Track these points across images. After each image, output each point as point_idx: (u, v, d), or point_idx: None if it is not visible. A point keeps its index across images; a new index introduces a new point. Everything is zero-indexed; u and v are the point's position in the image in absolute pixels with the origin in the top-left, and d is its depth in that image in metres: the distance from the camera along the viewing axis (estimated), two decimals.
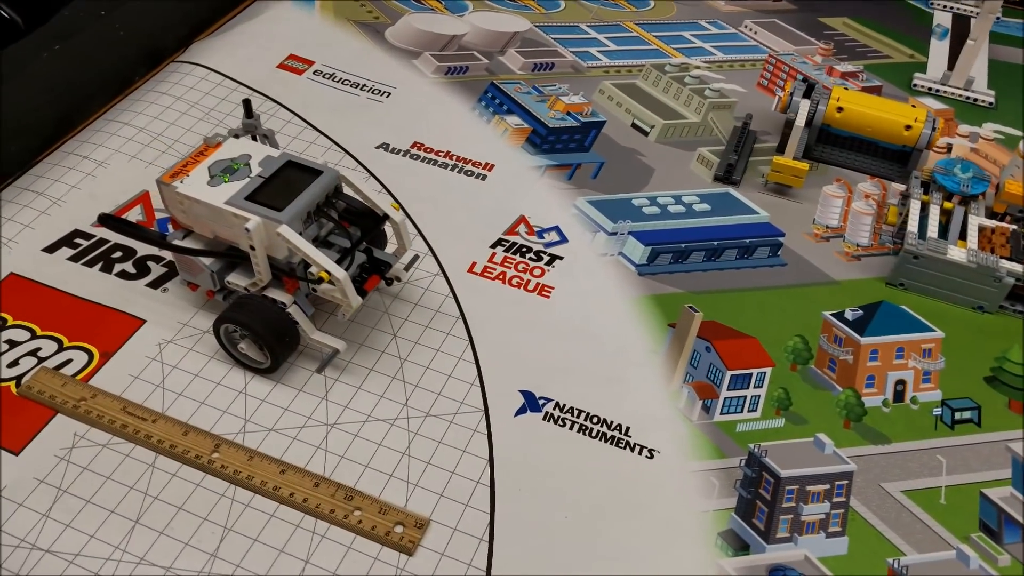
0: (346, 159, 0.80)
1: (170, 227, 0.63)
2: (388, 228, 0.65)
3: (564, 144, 0.86)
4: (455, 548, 0.52)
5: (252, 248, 0.55)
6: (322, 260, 0.55)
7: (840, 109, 0.83)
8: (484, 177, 0.80)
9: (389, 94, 0.89)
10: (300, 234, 0.55)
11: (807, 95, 0.84)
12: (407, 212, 0.74)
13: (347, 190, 0.61)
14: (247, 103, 0.66)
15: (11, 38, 0.71)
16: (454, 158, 0.82)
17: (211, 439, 0.56)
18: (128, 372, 0.60)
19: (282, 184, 0.57)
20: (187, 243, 0.59)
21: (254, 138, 0.66)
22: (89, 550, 0.51)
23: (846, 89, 0.85)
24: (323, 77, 0.90)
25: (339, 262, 0.57)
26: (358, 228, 0.61)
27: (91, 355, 0.60)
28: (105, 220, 0.61)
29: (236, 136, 0.64)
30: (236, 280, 0.59)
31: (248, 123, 0.66)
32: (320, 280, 0.56)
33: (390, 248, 0.66)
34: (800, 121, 0.79)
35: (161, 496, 0.53)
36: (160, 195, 0.58)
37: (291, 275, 0.58)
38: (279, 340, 0.58)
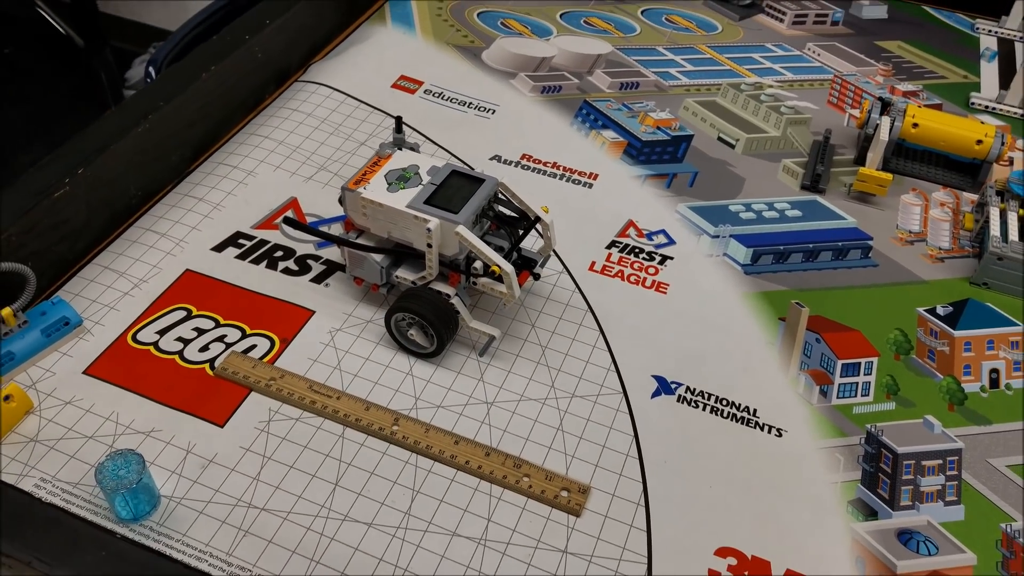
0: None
1: (342, 228, 0.70)
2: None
3: (659, 156, 0.93)
4: (616, 511, 0.59)
5: (429, 246, 0.62)
6: (494, 256, 0.62)
7: (915, 125, 0.90)
8: (590, 185, 0.87)
9: (494, 111, 0.96)
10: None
11: (883, 112, 0.91)
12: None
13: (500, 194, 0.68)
14: (399, 120, 0.73)
15: (70, 55, 0.77)
16: (561, 168, 0.89)
17: (390, 414, 0.63)
18: (307, 356, 0.67)
19: (452, 190, 0.64)
20: (361, 241, 0.67)
21: (400, 149, 0.73)
22: (299, 508, 0.57)
23: (920, 107, 0.92)
24: (433, 96, 0.97)
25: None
26: (507, 228, 0.68)
27: (272, 341, 0.67)
28: (288, 222, 0.69)
29: (390, 148, 0.71)
30: (404, 274, 0.66)
31: (398, 137, 0.73)
32: (487, 273, 0.63)
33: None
34: (884, 136, 0.86)
35: (354, 463, 0.60)
36: (342, 199, 0.66)
37: (455, 269, 0.65)
38: (446, 327, 0.64)
